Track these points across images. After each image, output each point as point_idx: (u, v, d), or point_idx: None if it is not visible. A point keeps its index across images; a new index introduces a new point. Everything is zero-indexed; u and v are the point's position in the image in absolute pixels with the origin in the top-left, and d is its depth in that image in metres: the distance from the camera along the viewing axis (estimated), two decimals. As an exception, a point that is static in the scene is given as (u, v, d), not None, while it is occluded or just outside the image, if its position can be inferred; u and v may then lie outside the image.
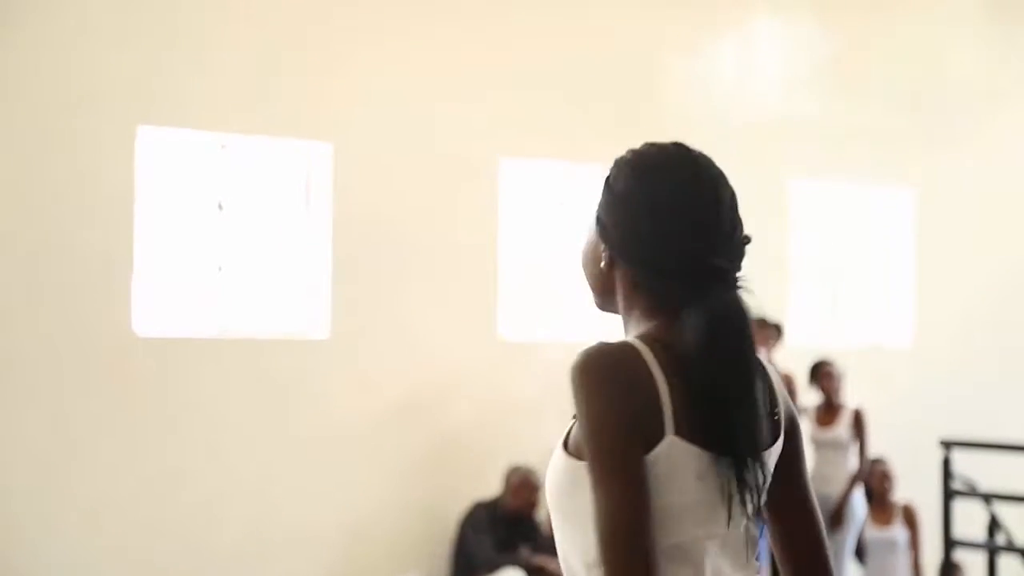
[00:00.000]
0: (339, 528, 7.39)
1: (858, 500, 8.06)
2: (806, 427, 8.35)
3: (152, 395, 6.90)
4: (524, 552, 7.39)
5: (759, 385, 1.95)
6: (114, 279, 6.79)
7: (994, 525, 6.96)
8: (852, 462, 8.13)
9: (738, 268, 1.99)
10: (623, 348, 1.91)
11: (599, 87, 8.35)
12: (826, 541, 2.10)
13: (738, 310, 1.94)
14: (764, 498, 1.97)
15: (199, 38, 7.06)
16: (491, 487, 7.69)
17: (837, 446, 8.14)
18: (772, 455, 2.00)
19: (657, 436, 1.87)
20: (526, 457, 7.52)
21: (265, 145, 7.32)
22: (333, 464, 7.37)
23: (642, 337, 1.95)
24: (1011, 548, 6.91)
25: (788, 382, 8.20)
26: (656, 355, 1.90)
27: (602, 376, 1.88)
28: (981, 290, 10.06)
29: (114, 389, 6.81)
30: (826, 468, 8.17)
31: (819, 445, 8.23)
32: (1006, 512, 7.38)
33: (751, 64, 8.99)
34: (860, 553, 8.15)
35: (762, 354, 7.65)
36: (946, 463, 6.92)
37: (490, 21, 7.99)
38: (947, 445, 6.93)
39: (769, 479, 1.98)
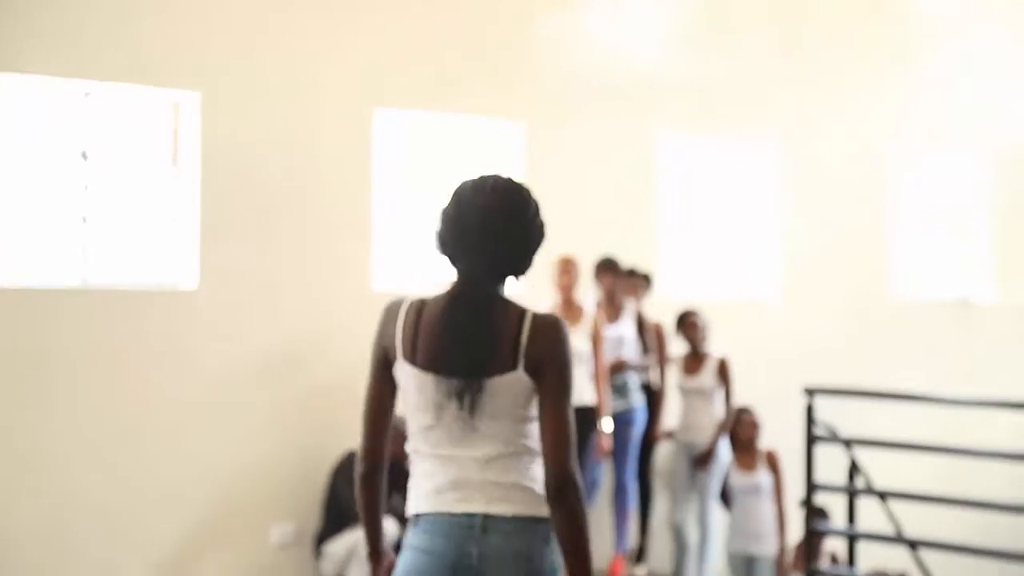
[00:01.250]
0: (210, 481, 7.32)
1: (723, 446, 8.26)
2: (674, 376, 8.50)
3: (13, 348, 6.74)
4: (396, 500, 7.41)
5: (476, 336, 2.98)
6: (-26, 229, 6.61)
7: (854, 469, 7.17)
8: (718, 409, 8.31)
9: (492, 262, 3.04)
10: (396, 301, 3.11)
11: (473, 39, 8.33)
12: (563, 449, 2.94)
13: (467, 290, 3.03)
14: (473, 404, 2.98)
15: (61, -19, 6.86)
16: (364, 438, 7.67)
17: (702, 394, 8.31)
18: (502, 381, 2.97)
19: (394, 359, 3.09)
20: (398, 407, 7.50)
21: (131, 93, 7.16)
22: (203, 416, 7.29)
23: (427, 295, 3.07)
24: (869, 491, 7.12)
25: (657, 331, 8.32)
26: (412, 307, 3.07)
27: (380, 318, 3.11)
28: (844, 243, 10.31)
29: (-25, 342, 6.64)
30: (692, 415, 8.35)
31: (685, 393, 8.40)
32: (865, 457, 7.61)
33: (621, 17, 9.03)
34: (726, 498, 8.35)
35: (630, 303, 7.76)
36: (809, 410, 7.09)
37: (362, -31, 7.91)
38: (810, 392, 7.11)
39: (482, 394, 2.97)
